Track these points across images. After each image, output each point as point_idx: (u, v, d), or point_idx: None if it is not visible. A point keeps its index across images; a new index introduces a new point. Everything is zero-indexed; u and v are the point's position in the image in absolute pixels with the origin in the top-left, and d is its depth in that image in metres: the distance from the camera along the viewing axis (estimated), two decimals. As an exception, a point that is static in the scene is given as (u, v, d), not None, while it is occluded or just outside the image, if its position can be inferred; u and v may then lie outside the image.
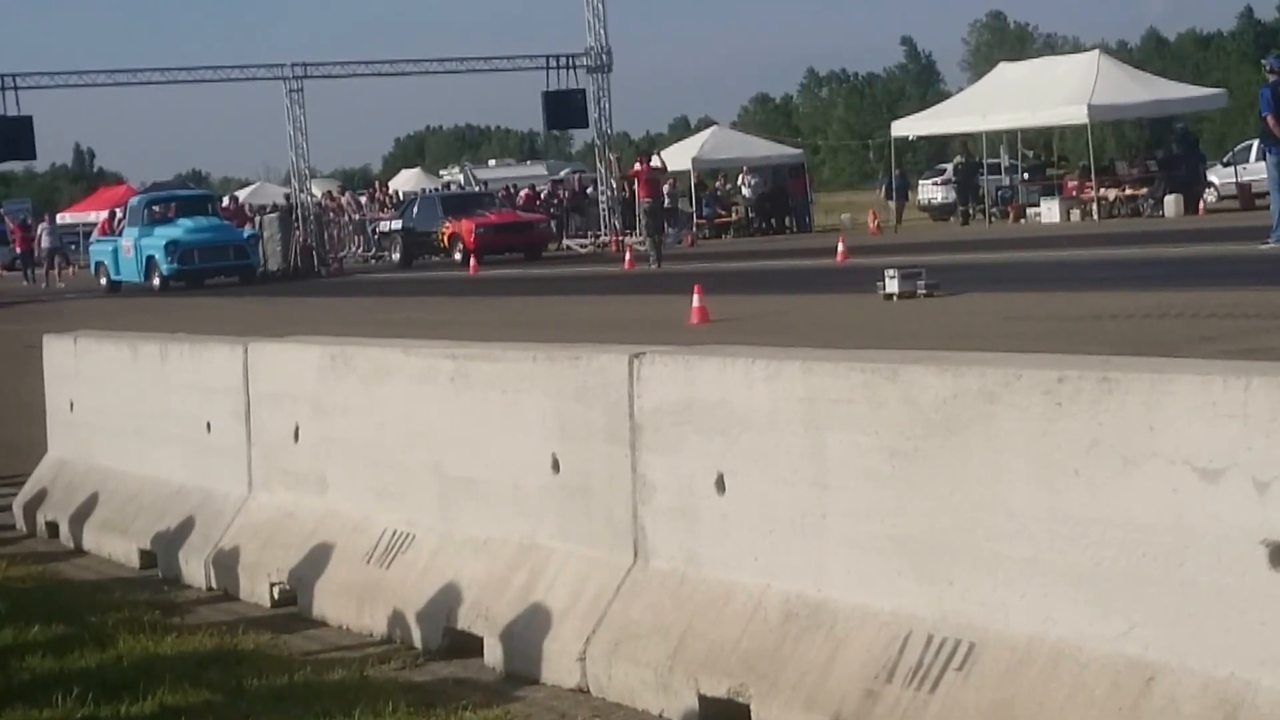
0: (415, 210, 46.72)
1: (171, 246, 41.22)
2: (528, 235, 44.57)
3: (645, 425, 6.14)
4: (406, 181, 71.16)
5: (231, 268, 42.21)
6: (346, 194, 56.84)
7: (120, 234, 43.99)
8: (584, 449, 6.41)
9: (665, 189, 40.78)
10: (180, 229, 41.82)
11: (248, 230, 45.08)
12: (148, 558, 9.07)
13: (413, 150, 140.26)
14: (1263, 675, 4.28)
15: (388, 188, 59.26)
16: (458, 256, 42.51)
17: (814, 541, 5.51)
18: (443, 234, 43.97)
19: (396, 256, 46.10)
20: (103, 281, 43.82)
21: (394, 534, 7.37)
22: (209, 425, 8.86)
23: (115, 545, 9.44)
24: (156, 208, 43.61)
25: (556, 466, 6.54)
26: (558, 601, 6.36)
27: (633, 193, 49.67)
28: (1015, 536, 4.90)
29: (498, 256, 42.25)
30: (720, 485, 5.85)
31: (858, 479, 5.38)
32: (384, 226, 48.07)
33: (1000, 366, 5.06)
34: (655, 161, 37.22)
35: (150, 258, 41.68)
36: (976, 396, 5.03)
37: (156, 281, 41.24)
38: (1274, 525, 4.29)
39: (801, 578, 5.54)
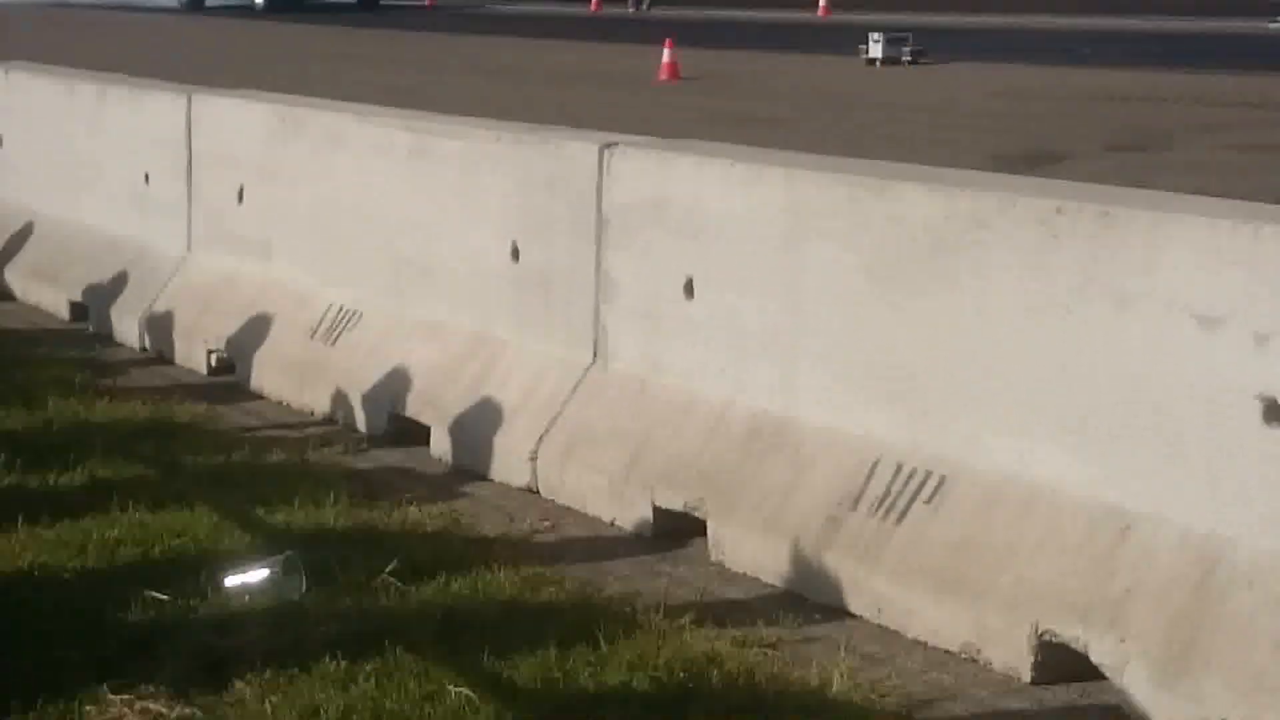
0: None
1: None
2: None
3: (613, 221, 5.85)
4: None
5: None
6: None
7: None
8: (546, 240, 6.13)
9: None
10: None
11: None
12: (78, 310, 8.76)
13: None
14: (1245, 533, 4.13)
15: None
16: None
17: (785, 358, 5.29)
18: None
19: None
20: None
21: (340, 310, 7.09)
22: (147, 177, 8.48)
23: (44, 294, 9.13)
24: None
25: (516, 255, 6.26)
26: (510, 397, 6.13)
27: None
28: (997, 370, 4.70)
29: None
30: (689, 290, 5.60)
31: (836, 297, 5.15)
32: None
33: (995, 191, 4.81)
34: None
35: None
36: (968, 221, 4.78)
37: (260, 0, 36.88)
38: (1271, 381, 4.10)
39: (769, 394, 5.33)
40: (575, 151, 6.02)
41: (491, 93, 19.70)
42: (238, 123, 7.89)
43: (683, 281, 5.61)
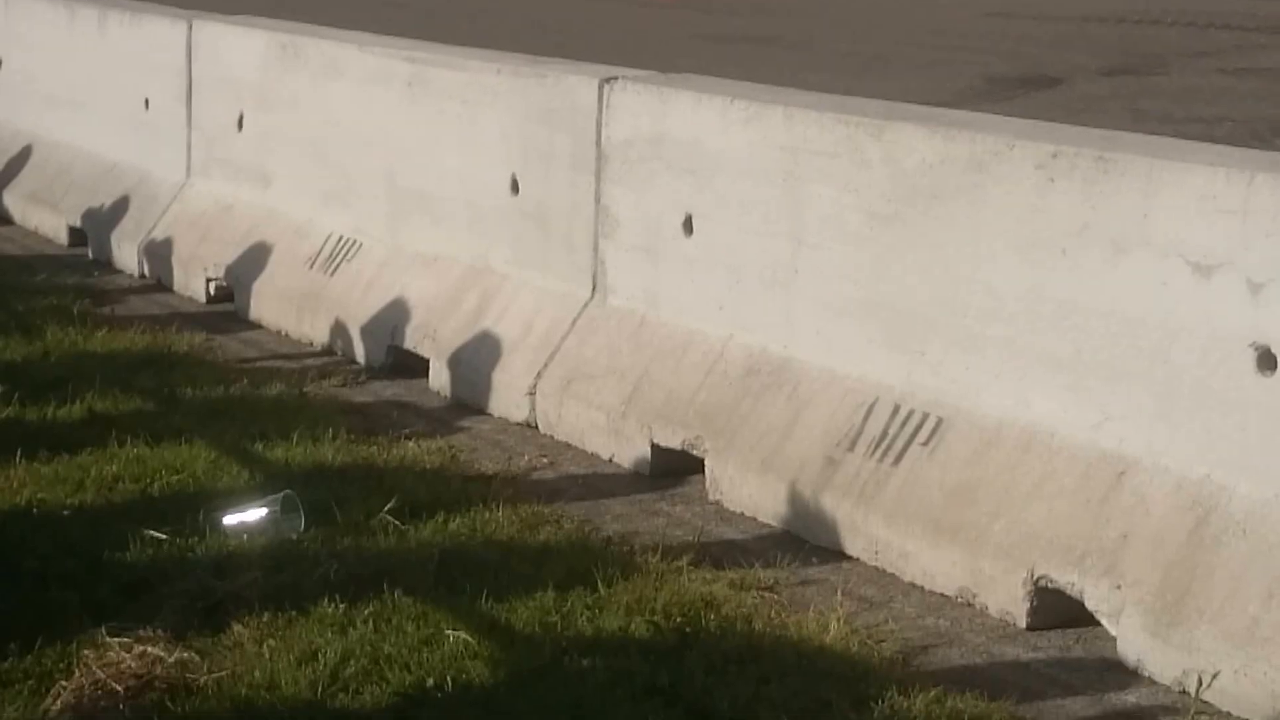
0: None
1: None
2: None
3: (613, 156, 5.83)
4: None
5: None
6: None
7: None
8: (546, 173, 6.11)
9: None
10: None
11: None
12: (77, 235, 8.76)
13: None
14: (1239, 480, 4.13)
15: None
16: None
17: (783, 297, 5.29)
18: None
19: None
20: None
21: (339, 240, 7.08)
22: (147, 102, 8.45)
23: (43, 218, 9.11)
24: None
25: (515, 188, 6.24)
26: (509, 330, 6.12)
27: None
28: (994, 314, 4.69)
29: None
30: (688, 227, 5.59)
31: (834, 237, 5.13)
32: None
33: (992, 134, 4.78)
34: None
35: None
36: (965, 164, 4.77)
37: None
38: (1265, 329, 4.10)
39: (767, 333, 5.33)
40: (574, 85, 5.99)
41: (493, 7, 19.57)
42: (238, 49, 7.85)
43: (682, 218, 5.60)
